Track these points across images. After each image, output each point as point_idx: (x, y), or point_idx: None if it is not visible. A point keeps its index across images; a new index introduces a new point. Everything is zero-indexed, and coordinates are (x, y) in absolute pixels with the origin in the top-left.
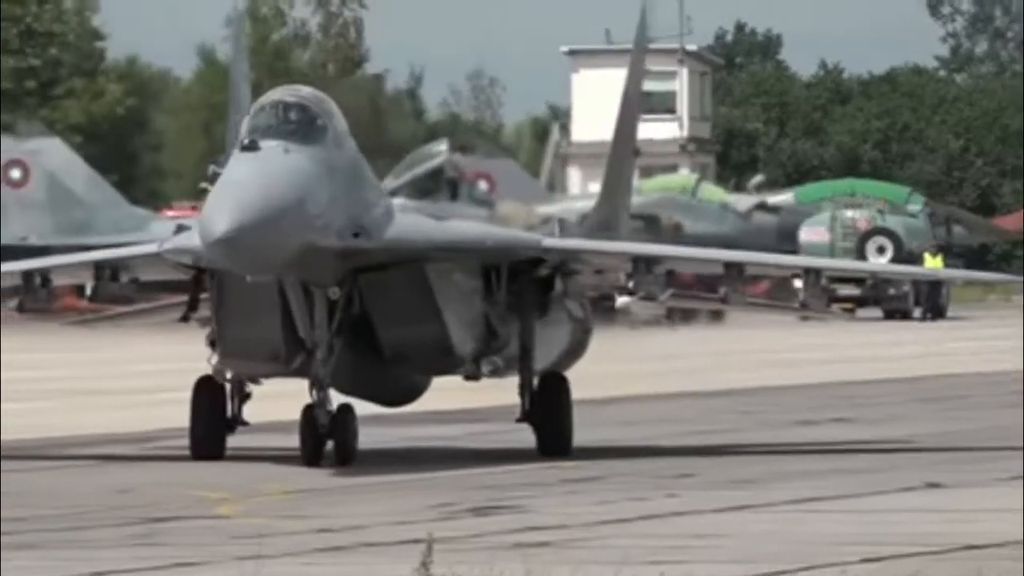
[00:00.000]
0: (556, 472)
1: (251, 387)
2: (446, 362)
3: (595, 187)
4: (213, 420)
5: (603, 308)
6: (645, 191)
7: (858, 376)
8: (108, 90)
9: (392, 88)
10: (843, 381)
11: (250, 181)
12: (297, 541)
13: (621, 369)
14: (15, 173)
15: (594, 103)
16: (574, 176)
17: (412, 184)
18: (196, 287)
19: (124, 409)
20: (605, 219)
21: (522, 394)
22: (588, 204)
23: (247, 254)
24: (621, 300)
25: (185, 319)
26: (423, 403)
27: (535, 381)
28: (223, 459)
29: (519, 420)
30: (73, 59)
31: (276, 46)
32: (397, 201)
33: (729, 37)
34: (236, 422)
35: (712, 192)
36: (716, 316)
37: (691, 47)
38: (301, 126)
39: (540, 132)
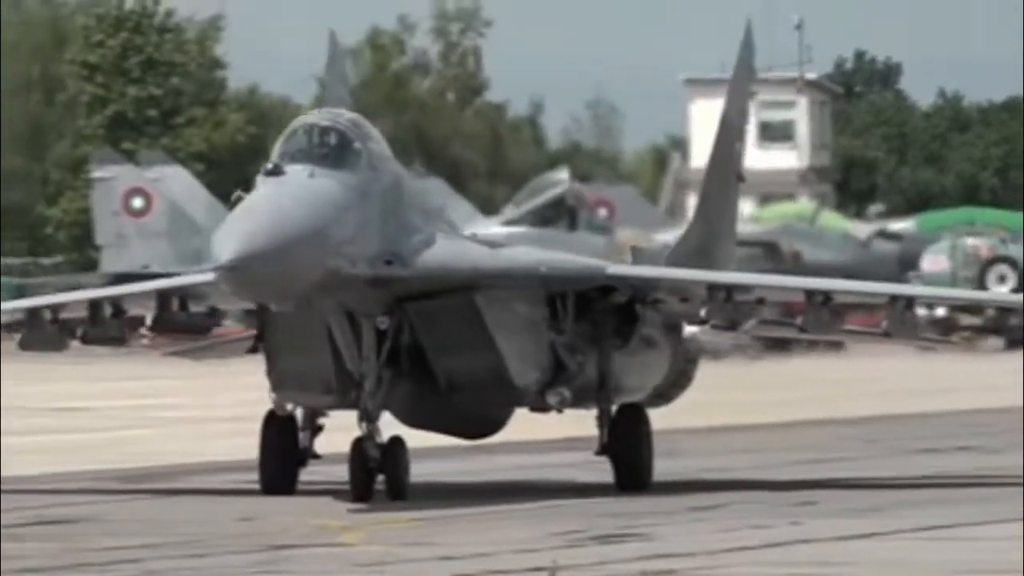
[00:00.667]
0: (681, 500)
1: (323, 419)
2: (505, 393)
3: None
4: (283, 454)
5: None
6: (764, 219)
7: (981, 405)
8: (229, 119)
9: (513, 116)
10: (966, 410)
11: (265, 206)
12: (420, 568)
13: (742, 398)
14: (137, 202)
15: (712, 131)
16: (694, 203)
17: (533, 213)
18: (260, 317)
19: (230, 437)
20: (701, 245)
21: (600, 426)
22: None
23: (254, 283)
24: (690, 329)
25: (254, 350)
26: (555, 429)
27: (613, 412)
28: (293, 493)
29: (597, 453)
30: (194, 88)
31: (395, 75)
32: (517, 230)
33: (849, 65)
34: (308, 455)
35: (832, 220)
36: (835, 346)
37: (810, 76)
38: (332, 150)
39: (659, 159)
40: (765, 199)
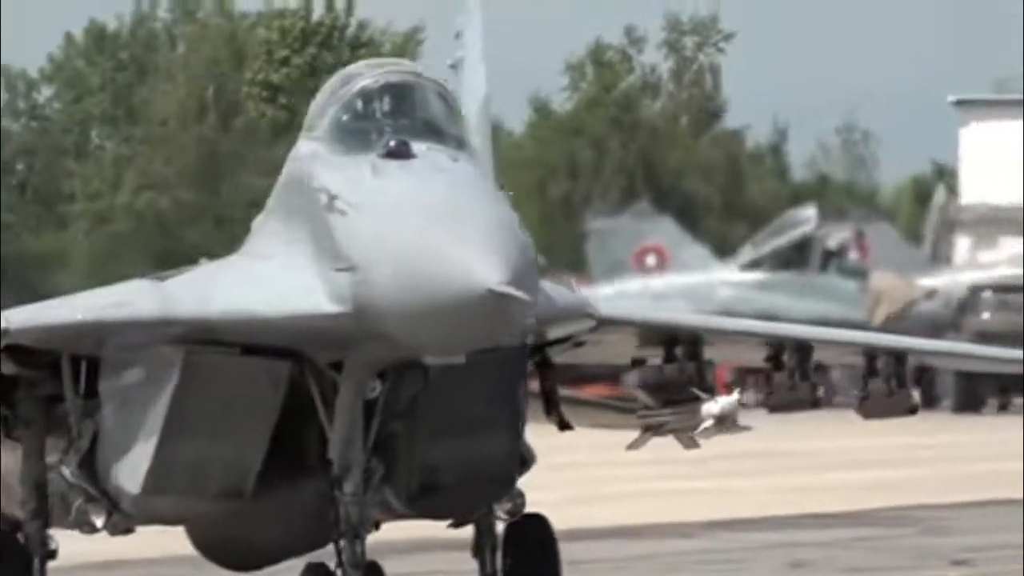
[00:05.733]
0: None
1: (57, 542)
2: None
3: (985, 257)
4: None
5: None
6: None
7: None
8: None
9: (753, 144)
10: None
11: (468, 208)
12: None
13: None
14: None
15: (985, 160)
16: (962, 244)
17: (774, 255)
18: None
19: None
20: None
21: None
22: (978, 276)
23: (504, 318)
24: (708, 407)
25: (9, 434)
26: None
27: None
28: None
29: None
30: None
31: (623, 95)
32: (756, 276)
33: None
34: None
35: None
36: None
37: None
38: (442, 121)
39: (922, 194)
40: None
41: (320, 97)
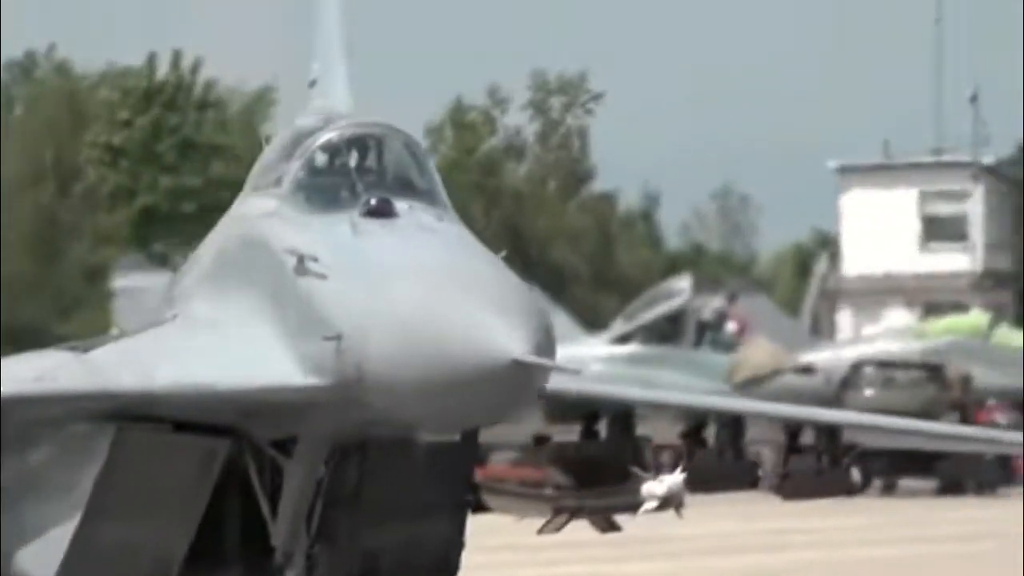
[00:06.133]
0: None
1: None
2: None
3: (868, 330)
4: None
5: None
6: (930, 335)
7: None
8: None
9: (624, 209)
10: None
11: (463, 269)
12: None
13: None
14: None
15: (868, 229)
16: (844, 317)
17: (647, 328)
18: None
19: None
20: None
21: None
22: (861, 351)
23: (523, 392)
24: (651, 487)
25: None
26: None
27: None
28: None
29: None
30: (240, 176)
31: (486, 158)
32: (627, 349)
33: None
34: None
35: (1011, 337)
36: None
37: (988, 160)
38: (418, 177)
39: (803, 264)
40: (929, 311)
41: (270, 153)
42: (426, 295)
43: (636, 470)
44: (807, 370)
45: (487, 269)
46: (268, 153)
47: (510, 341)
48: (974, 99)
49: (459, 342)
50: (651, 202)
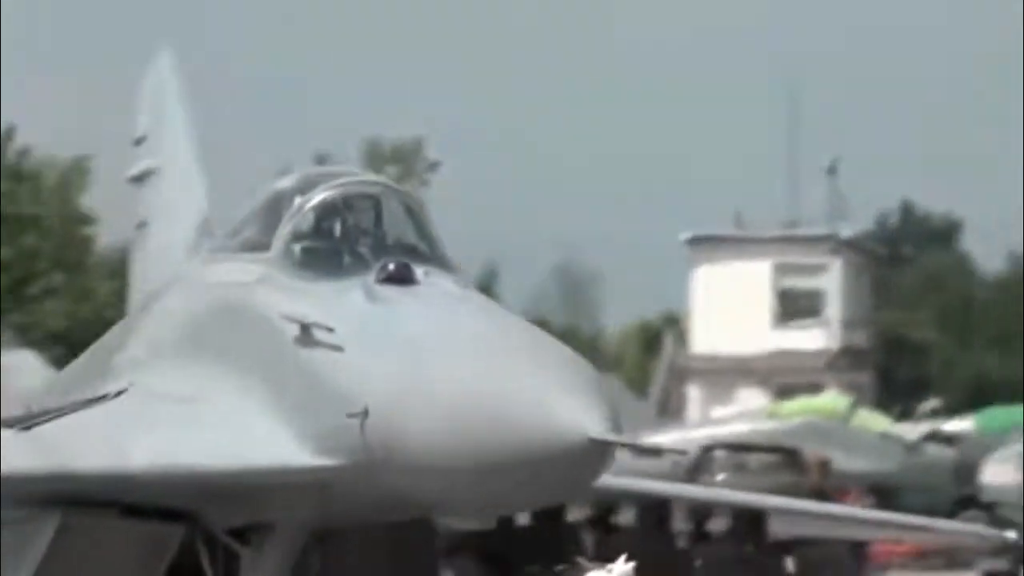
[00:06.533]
0: None
1: None
2: None
3: (719, 411)
4: None
5: None
6: (784, 416)
7: None
8: (97, 288)
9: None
10: None
11: (506, 339)
12: None
13: None
14: None
15: (720, 305)
16: (693, 396)
17: None
18: None
19: None
20: None
21: None
22: (711, 432)
23: (595, 473)
24: None
25: None
26: None
27: None
28: None
29: None
30: (53, 249)
31: None
32: None
33: (895, 220)
34: None
35: (870, 419)
36: None
37: (846, 234)
38: (426, 239)
39: (651, 340)
40: (784, 391)
41: (249, 216)
42: (475, 369)
43: (580, 559)
44: (654, 452)
45: (533, 339)
46: (246, 217)
47: (584, 418)
48: (832, 170)
49: (525, 420)
50: (491, 277)
